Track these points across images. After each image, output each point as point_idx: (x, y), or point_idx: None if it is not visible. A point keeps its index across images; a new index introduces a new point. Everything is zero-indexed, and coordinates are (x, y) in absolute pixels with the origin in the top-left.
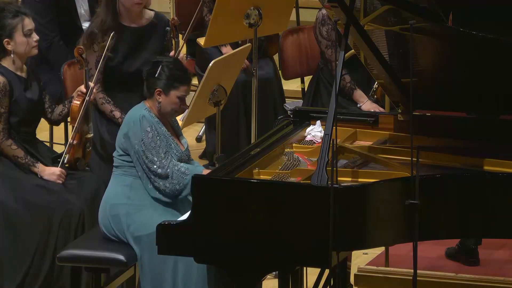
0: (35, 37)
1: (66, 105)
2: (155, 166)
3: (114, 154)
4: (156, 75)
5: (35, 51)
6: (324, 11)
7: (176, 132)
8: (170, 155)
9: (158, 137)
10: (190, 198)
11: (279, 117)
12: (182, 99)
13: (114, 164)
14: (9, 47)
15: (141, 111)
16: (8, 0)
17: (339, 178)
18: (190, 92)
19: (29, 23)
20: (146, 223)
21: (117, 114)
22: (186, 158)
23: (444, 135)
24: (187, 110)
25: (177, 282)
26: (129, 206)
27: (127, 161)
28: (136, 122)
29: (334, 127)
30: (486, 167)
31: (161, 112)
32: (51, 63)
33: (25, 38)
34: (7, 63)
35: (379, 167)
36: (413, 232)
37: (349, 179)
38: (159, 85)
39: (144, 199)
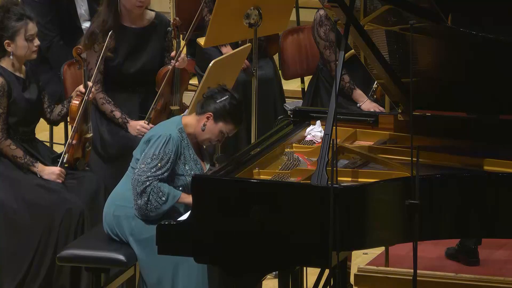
0: (36, 42)
1: (65, 105)
2: (139, 178)
3: (134, 153)
4: (218, 100)
5: (34, 56)
6: (321, 12)
7: (202, 154)
8: (160, 178)
9: (166, 161)
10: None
11: (279, 117)
12: (223, 135)
13: (131, 164)
14: (9, 49)
15: (173, 130)
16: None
17: (339, 178)
18: (190, 92)
19: (32, 28)
20: (149, 226)
21: (117, 114)
22: None
23: (444, 135)
24: (187, 109)
25: (182, 283)
26: (133, 209)
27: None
28: (162, 137)
29: (334, 127)
30: (486, 167)
31: (199, 135)
32: (51, 63)
33: (26, 42)
34: (5, 63)
35: (379, 167)
36: (413, 232)
37: (349, 179)
38: (212, 110)
39: None
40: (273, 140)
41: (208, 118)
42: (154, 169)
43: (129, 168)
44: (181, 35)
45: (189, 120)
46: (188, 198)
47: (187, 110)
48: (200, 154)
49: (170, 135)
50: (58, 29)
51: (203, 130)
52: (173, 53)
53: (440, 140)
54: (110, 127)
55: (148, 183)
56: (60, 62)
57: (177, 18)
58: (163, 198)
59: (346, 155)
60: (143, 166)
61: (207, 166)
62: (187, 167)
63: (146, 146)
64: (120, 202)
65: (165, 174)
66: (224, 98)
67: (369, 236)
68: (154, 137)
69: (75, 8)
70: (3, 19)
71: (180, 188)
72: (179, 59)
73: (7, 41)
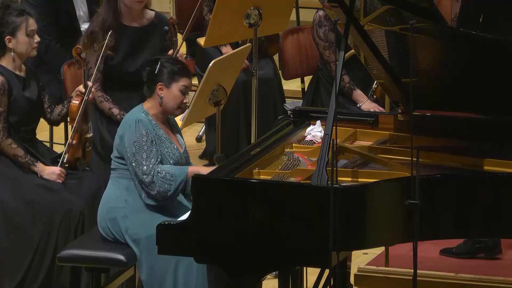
0: (37, 38)
1: (65, 105)
2: (141, 171)
3: (112, 155)
4: (156, 71)
5: (34, 53)
6: (320, 12)
7: (174, 134)
8: (158, 161)
9: (152, 143)
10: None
11: (279, 117)
12: (184, 93)
13: (111, 166)
14: (10, 45)
15: (139, 114)
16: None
17: (339, 178)
18: (190, 92)
19: (32, 23)
20: (145, 225)
21: (115, 111)
22: (184, 161)
23: (444, 135)
24: (187, 110)
25: (178, 283)
26: (126, 209)
27: (123, 164)
28: (132, 125)
29: (334, 127)
30: (486, 167)
31: (164, 109)
32: (48, 66)
33: (27, 38)
34: (5, 62)
35: (379, 167)
36: (413, 232)
37: (349, 179)
38: (160, 80)
39: (141, 201)
40: (273, 140)
41: (160, 89)
42: (150, 158)
43: (111, 170)
44: (179, 34)
45: (149, 104)
46: (197, 168)
47: (186, 110)
48: (172, 134)
49: (137, 117)
50: (55, 32)
51: (161, 104)
52: (170, 52)
53: (440, 140)
54: (110, 127)
55: (152, 172)
56: (58, 65)
57: (174, 17)
58: (172, 179)
59: (346, 155)
60: (136, 158)
61: (183, 146)
62: (163, 146)
63: (121, 140)
64: (112, 204)
65: (159, 156)
66: (160, 64)
67: (369, 236)
68: (126, 129)
69: (74, 11)
70: (4, 15)
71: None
72: (177, 56)
73: (8, 37)
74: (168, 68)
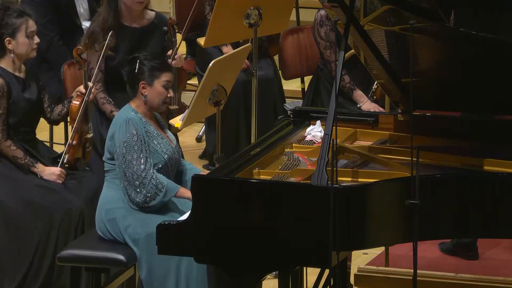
0: (36, 39)
1: (66, 105)
2: (131, 172)
3: (104, 158)
4: (136, 70)
5: (34, 54)
6: (322, 12)
7: (163, 129)
8: (151, 164)
9: (142, 143)
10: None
11: (279, 117)
12: (167, 88)
13: (104, 168)
14: (9, 47)
15: (128, 113)
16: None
17: (339, 178)
18: (190, 92)
19: (32, 24)
20: (144, 224)
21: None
22: (177, 155)
23: (444, 135)
24: (187, 110)
25: (180, 282)
26: (125, 209)
27: (115, 165)
28: (122, 124)
29: (334, 127)
30: (486, 167)
31: (150, 107)
32: (50, 63)
33: (27, 39)
34: (5, 63)
35: (379, 167)
36: (413, 232)
37: (349, 179)
38: (142, 79)
39: None
40: (273, 140)
41: (143, 88)
42: (140, 159)
43: (105, 173)
44: (178, 34)
45: (135, 103)
46: (187, 193)
47: (186, 110)
48: (161, 130)
49: (127, 117)
50: (58, 29)
51: (146, 102)
52: (169, 52)
53: (440, 140)
54: None
55: (144, 174)
56: (60, 62)
57: (173, 17)
58: (162, 190)
59: (346, 155)
60: (126, 158)
61: (174, 142)
62: (155, 142)
63: (111, 140)
64: (109, 206)
65: (150, 157)
66: (138, 63)
67: (369, 236)
68: (116, 129)
69: (75, 7)
70: (4, 16)
71: (160, 166)
72: (176, 57)
73: (8, 38)
74: (147, 65)
